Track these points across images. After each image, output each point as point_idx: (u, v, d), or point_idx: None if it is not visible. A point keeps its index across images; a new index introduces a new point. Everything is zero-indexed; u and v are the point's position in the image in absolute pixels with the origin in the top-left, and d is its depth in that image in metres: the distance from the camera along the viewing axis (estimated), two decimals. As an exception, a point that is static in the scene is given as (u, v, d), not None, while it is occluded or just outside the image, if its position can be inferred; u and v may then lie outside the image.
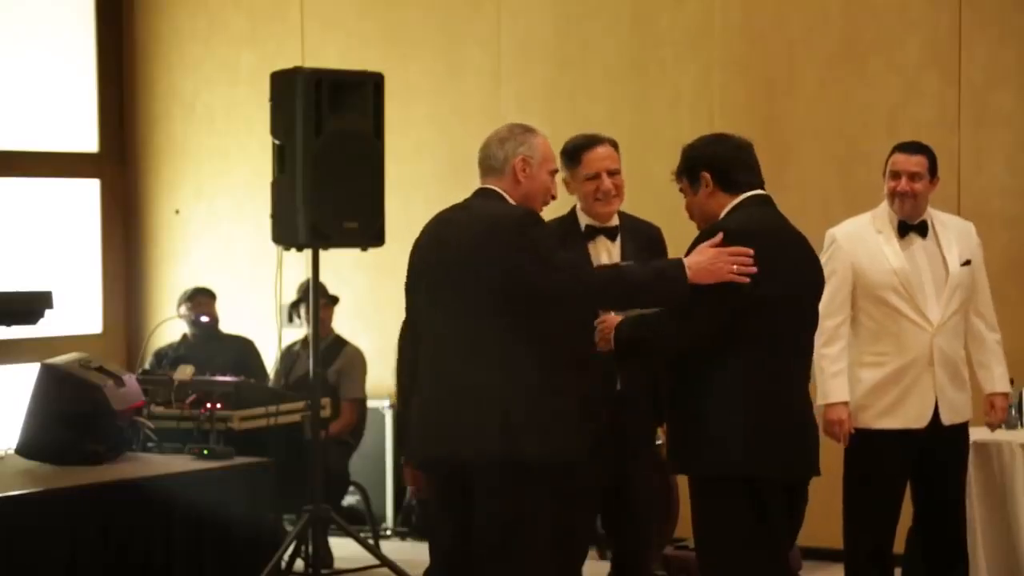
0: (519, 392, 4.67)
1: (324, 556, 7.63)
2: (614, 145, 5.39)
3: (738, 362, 4.55)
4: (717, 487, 4.59)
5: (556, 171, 4.98)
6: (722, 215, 4.68)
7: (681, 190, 4.80)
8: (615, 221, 5.39)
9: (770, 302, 4.56)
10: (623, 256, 5.35)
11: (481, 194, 4.90)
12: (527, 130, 4.91)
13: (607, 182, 5.30)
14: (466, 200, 4.93)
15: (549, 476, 4.72)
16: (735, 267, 4.51)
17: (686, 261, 4.59)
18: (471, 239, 4.75)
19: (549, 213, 5.10)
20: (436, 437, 4.81)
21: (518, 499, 4.70)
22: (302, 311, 8.24)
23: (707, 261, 4.53)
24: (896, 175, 5.75)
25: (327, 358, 7.96)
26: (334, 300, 8.30)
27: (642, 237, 5.41)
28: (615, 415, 5.26)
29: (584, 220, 5.38)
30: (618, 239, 5.38)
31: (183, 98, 9.85)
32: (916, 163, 5.75)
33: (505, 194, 4.84)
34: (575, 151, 5.36)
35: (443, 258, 4.81)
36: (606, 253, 5.35)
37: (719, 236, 4.57)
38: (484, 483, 4.72)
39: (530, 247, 4.68)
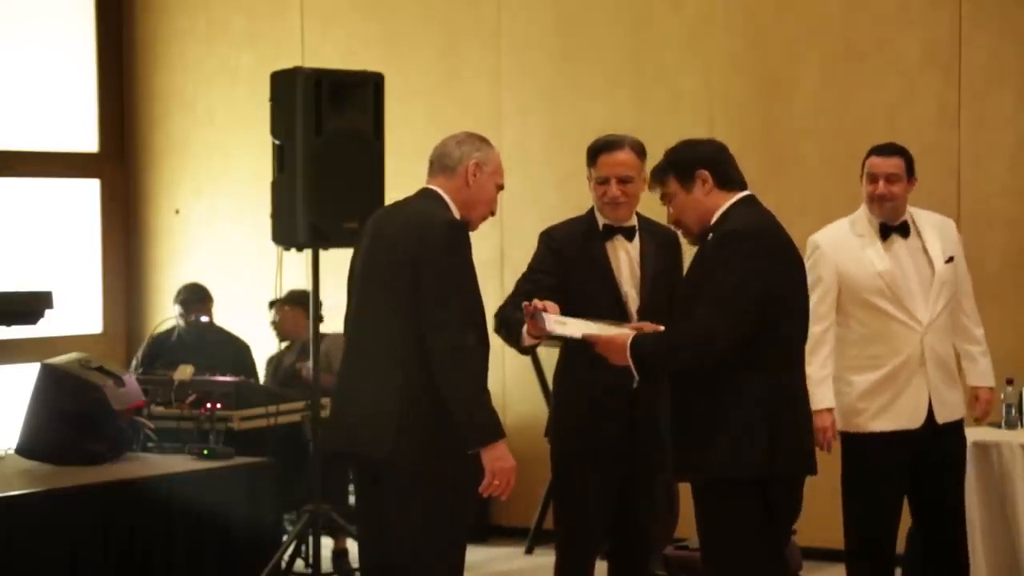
0: (411, 397, 4.67)
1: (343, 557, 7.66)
2: (637, 150, 5.33)
3: (753, 362, 4.52)
4: (730, 489, 4.56)
5: (503, 187, 4.95)
6: (716, 215, 4.65)
7: (663, 196, 4.74)
8: (632, 222, 5.37)
9: (781, 302, 4.57)
10: (643, 256, 5.34)
11: (422, 195, 4.89)
12: (485, 140, 4.93)
13: (614, 189, 5.28)
14: (407, 199, 4.94)
15: (444, 479, 4.71)
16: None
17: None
18: (396, 241, 4.75)
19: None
20: (340, 432, 4.89)
21: (415, 498, 4.70)
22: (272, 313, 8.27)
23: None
24: (873, 178, 5.71)
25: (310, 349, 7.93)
26: (299, 304, 8.17)
27: (661, 239, 5.38)
28: (630, 413, 5.24)
29: (601, 220, 5.37)
30: (636, 239, 5.37)
31: (183, 98, 9.85)
32: (893, 165, 5.71)
33: (448, 197, 4.83)
34: (594, 151, 5.35)
35: (370, 257, 4.85)
36: (624, 253, 5.34)
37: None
38: (387, 481, 4.74)
39: (442, 266, 4.67)
